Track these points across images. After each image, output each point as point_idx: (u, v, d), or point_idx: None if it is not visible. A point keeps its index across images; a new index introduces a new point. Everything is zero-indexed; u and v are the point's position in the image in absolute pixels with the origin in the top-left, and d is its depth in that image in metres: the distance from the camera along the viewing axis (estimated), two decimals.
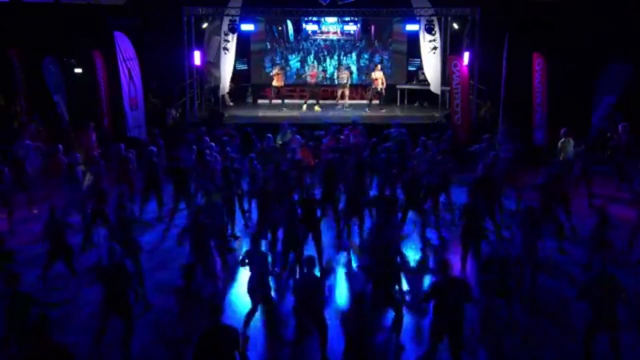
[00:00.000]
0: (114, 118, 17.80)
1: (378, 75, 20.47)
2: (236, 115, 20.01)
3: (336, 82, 21.60)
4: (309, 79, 21.53)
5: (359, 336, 6.53)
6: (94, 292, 8.57)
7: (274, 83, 20.89)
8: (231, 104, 21.54)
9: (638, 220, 10.72)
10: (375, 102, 20.99)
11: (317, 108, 20.80)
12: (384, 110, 20.71)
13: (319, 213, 10.73)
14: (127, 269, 7.95)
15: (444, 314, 7.04)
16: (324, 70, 22.66)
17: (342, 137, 15.01)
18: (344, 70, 21.16)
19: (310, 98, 21.12)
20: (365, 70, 22.62)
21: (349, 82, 21.07)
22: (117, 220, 9.68)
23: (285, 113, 20.16)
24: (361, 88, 22.54)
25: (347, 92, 20.88)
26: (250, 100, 22.85)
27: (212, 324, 6.30)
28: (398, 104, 21.88)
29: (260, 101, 22.67)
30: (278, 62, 22.67)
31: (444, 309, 7.02)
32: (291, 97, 22.21)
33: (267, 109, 21.16)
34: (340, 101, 21.07)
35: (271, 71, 21.52)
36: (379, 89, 20.66)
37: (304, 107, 20.80)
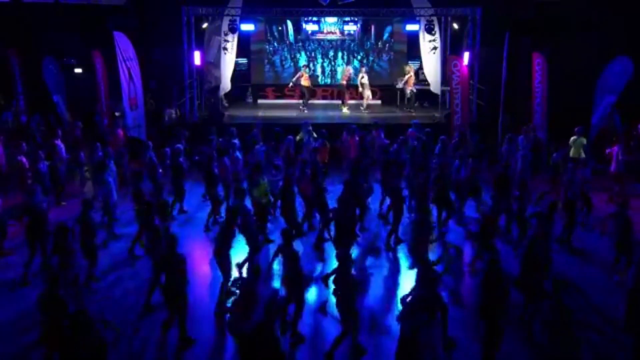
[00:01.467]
0: (114, 118, 17.84)
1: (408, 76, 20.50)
2: (236, 115, 20.00)
3: (353, 81, 21.51)
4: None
5: (411, 334, 6.53)
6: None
7: (302, 83, 20.64)
8: (226, 104, 21.55)
9: None
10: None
11: (345, 111, 20.72)
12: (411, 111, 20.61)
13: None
14: (183, 260, 7.93)
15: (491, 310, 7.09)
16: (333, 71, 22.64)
17: (369, 137, 15.13)
18: (364, 71, 21.14)
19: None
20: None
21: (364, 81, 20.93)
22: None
23: (285, 113, 20.17)
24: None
25: (368, 92, 20.73)
26: (250, 100, 22.85)
27: (265, 320, 6.32)
28: (398, 103, 21.87)
29: (260, 101, 22.67)
30: (284, 62, 22.57)
31: (490, 305, 7.07)
32: (292, 96, 22.21)
33: (267, 109, 21.16)
34: (364, 101, 20.92)
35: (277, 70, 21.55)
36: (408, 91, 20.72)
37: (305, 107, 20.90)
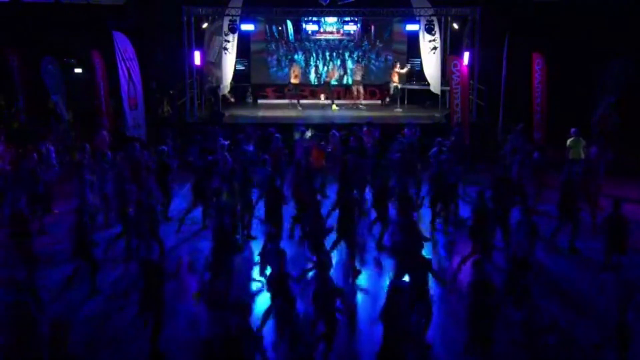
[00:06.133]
0: (114, 118, 17.84)
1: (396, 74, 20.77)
2: (236, 115, 20.00)
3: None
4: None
5: (395, 332, 6.52)
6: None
7: (292, 80, 20.69)
8: (232, 99, 21.59)
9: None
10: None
11: (334, 107, 20.79)
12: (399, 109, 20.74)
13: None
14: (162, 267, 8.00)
15: (477, 313, 7.12)
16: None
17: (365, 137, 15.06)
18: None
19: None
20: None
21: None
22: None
23: (285, 113, 20.18)
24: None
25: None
26: (250, 100, 22.85)
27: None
28: (398, 104, 21.86)
29: (260, 101, 22.67)
30: (283, 62, 22.53)
31: (479, 307, 7.10)
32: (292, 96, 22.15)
33: (267, 109, 21.16)
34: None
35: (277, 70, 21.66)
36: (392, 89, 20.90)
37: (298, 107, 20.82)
